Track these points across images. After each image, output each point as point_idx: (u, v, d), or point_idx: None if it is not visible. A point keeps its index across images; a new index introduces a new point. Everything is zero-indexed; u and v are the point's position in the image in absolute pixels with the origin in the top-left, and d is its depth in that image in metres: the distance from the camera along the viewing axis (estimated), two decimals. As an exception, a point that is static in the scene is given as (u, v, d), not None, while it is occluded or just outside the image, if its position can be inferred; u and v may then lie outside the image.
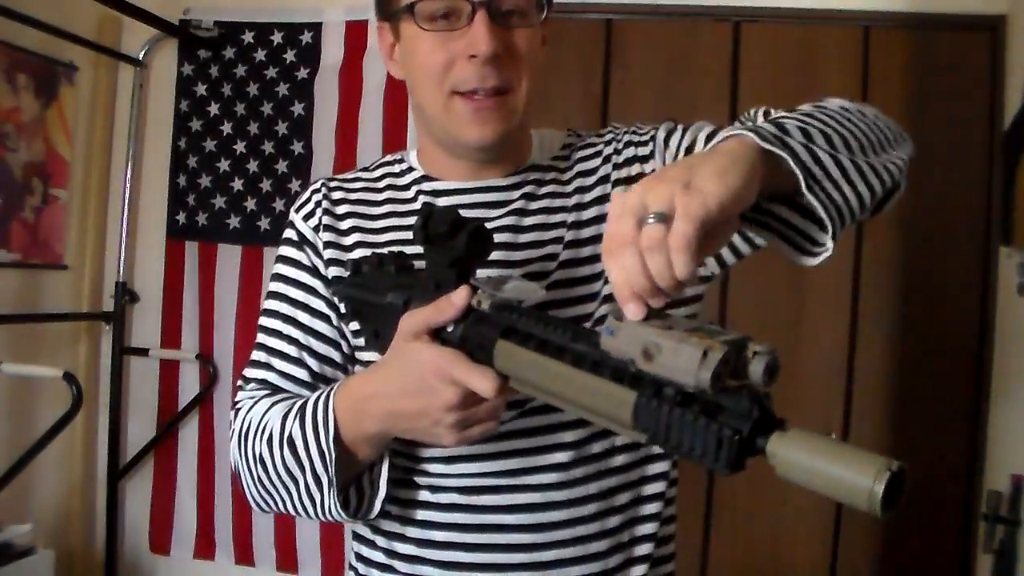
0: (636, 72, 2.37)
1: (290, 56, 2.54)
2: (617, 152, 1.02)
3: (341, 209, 0.99)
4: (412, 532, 0.94)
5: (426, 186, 0.99)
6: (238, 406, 0.97)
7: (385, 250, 0.90)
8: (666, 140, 1.03)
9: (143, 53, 2.61)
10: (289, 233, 1.00)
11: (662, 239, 0.61)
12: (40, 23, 2.24)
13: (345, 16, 2.50)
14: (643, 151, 1.02)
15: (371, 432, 0.83)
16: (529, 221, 0.96)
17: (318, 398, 0.87)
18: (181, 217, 2.61)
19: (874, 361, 2.26)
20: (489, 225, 0.89)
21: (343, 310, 0.96)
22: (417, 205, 0.98)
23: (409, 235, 0.90)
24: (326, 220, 0.98)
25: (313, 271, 0.98)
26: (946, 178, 2.24)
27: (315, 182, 1.03)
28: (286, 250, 1.00)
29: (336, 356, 0.97)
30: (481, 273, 0.81)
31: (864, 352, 2.26)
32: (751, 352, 0.60)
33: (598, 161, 1.01)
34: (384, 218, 0.99)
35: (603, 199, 0.98)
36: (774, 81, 2.31)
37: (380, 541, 0.97)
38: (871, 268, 2.26)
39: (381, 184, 1.02)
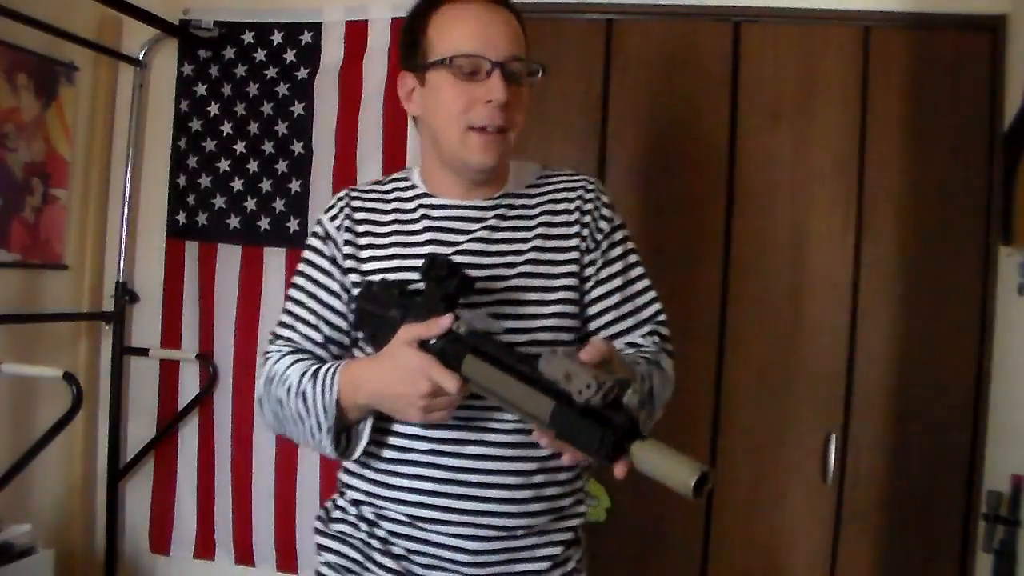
0: (636, 72, 2.37)
1: (290, 56, 2.54)
2: (584, 212, 1.31)
3: (359, 216, 1.30)
4: (386, 479, 1.26)
5: (426, 201, 1.30)
6: (268, 355, 1.30)
7: (389, 251, 1.27)
8: (609, 246, 1.32)
9: (143, 53, 2.61)
10: (317, 228, 1.33)
11: None
12: (40, 23, 2.24)
13: (345, 16, 2.50)
14: (603, 242, 1.31)
15: (361, 403, 1.18)
16: (497, 236, 1.27)
17: (328, 368, 1.20)
18: (181, 217, 2.61)
19: (874, 361, 2.26)
20: (467, 236, 1.26)
21: (351, 315, 1.27)
22: (418, 215, 1.29)
23: (409, 239, 1.27)
24: (347, 223, 1.30)
25: (332, 260, 1.30)
26: (946, 178, 2.24)
27: (343, 191, 1.35)
28: (314, 241, 1.32)
29: (343, 325, 1.29)
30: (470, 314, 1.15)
31: (864, 352, 2.26)
32: (632, 390, 0.94)
33: (572, 207, 1.31)
34: (391, 224, 1.30)
35: (569, 237, 1.29)
36: (774, 81, 2.31)
37: (361, 483, 1.28)
38: (871, 268, 2.26)
39: (390, 196, 1.33)
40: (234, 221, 2.56)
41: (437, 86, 1.22)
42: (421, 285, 1.16)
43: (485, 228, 1.27)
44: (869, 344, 2.26)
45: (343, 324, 1.29)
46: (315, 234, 1.33)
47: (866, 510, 2.25)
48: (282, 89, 2.54)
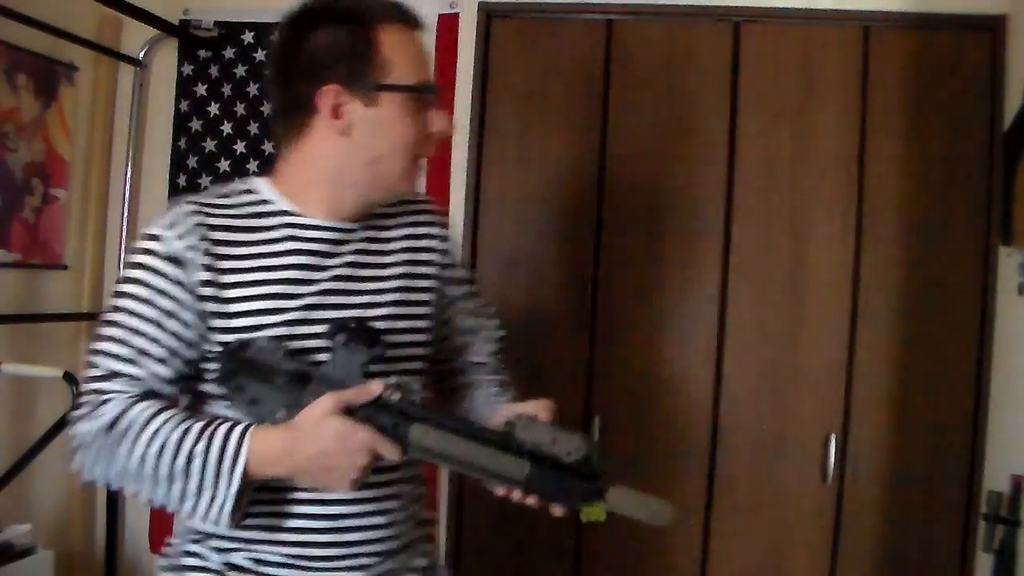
0: (636, 72, 2.37)
1: (290, 56, 2.53)
2: (435, 237, 1.31)
3: (217, 235, 1.14)
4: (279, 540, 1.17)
5: (291, 220, 1.18)
6: (108, 396, 1.10)
7: (252, 276, 1.13)
8: (455, 267, 1.35)
9: (143, 53, 2.61)
10: (157, 247, 1.12)
11: None
12: (40, 23, 2.24)
13: (345, 16, 2.49)
14: (453, 263, 1.34)
15: (268, 475, 1.07)
16: (368, 259, 1.21)
17: (225, 431, 1.06)
18: (181, 217, 2.60)
19: (874, 361, 2.26)
20: (339, 260, 1.18)
21: (221, 375, 1.12)
22: (281, 234, 1.17)
23: (273, 261, 1.15)
24: (204, 245, 1.12)
25: (182, 285, 1.11)
26: (946, 178, 2.24)
27: (186, 203, 1.16)
28: (151, 261, 1.12)
29: (194, 357, 1.14)
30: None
31: (864, 352, 2.26)
32: (597, 447, 1.08)
33: (431, 231, 1.30)
34: (251, 244, 1.15)
35: (429, 264, 1.28)
36: (774, 81, 2.31)
37: (232, 531, 1.15)
38: (871, 268, 2.26)
39: (244, 212, 1.17)
40: (234, 221, 2.56)
41: (391, 111, 1.14)
42: (310, 343, 1.12)
43: (355, 252, 1.20)
44: (869, 344, 2.26)
45: (194, 357, 1.13)
46: (152, 252, 1.12)
47: (866, 510, 2.25)
48: (282, 89, 2.53)
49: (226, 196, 1.19)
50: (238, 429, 1.07)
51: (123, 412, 1.08)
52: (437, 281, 1.29)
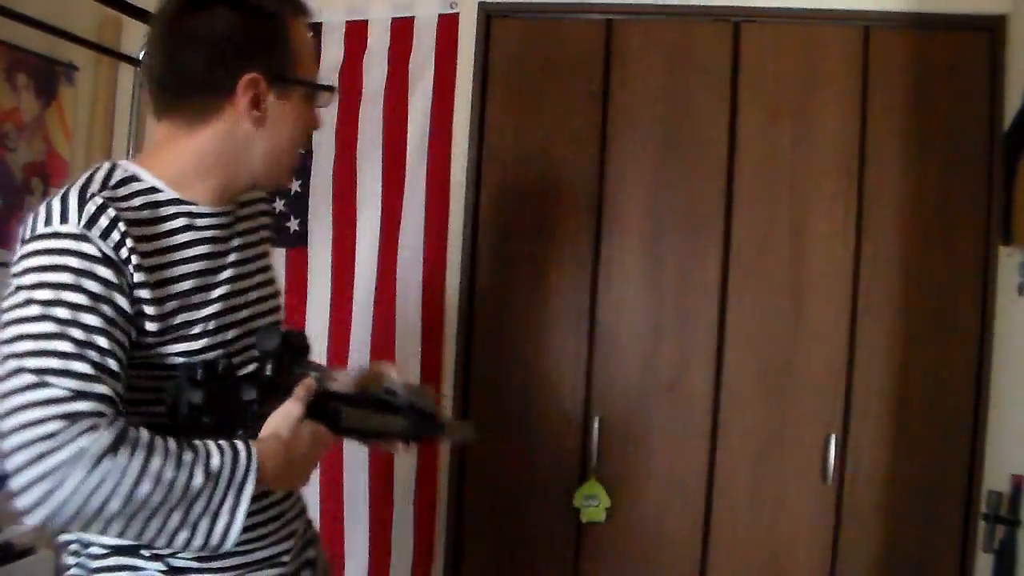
0: (636, 72, 2.37)
1: (290, 56, 2.53)
2: (266, 212, 1.34)
3: (136, 231, 1.04)
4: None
5: (183, 208, 1.13)
6: (90, 423, 0.94)
7: (172, 271, 1.09)
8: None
9: (143, 53, 2.60)
10: (85, 248, 1.00)
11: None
12: (40, 23, 2.23)
13: (345, 16, 2.49)
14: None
15: (263, 488, 1.07)
16: (248, 244, 1.24)
17: (237, 450, 1.02)
18: (181, 217, 2.60)
19: (874, 361, 2.26)
20: (229, 246, 1.18)
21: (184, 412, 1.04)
22: (178, 224, 1.11)
23: (179, 253, 1.10)
24: (129, 243, 1.03)
25: (120, 290, 1.02)
26: (946, 178, 2.24)
27: (93, 197, 1.04)
28: (84, 264, 0.99)
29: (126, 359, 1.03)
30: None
31: (864, 352, 2.26)
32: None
33: (264, 222, 1.32)
34: (159, 238, 1.08)
35: (264, 255, 1.30)
36: (774, 81, 2.31)
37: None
38: (871, 268, 2.26)
39: (139, 203, 1.08)
40: (234, 221, 2.55)
41: (298, 105, 1.17)
42: (231, 334, 1.17)
43: (238, 236, 1.21)
44: (869, 344, 2.26)
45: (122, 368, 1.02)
46: (80, 254, 0.99)
47: (866, 510, 2.25)
48: (282, 89, 2.53)
49: (116, 188, 1.08)
50: (244, 446, 1.04)
51: (119, 438, 0.95)
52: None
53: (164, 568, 1.10)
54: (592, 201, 2.38)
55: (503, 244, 2.43)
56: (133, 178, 1.10)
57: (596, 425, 2.33)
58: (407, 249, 2.43)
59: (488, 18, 2.42)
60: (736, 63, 2.33)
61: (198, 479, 0.97)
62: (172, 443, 0.99)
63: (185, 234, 1.12)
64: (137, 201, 1.08)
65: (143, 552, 1.09)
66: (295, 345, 1.14)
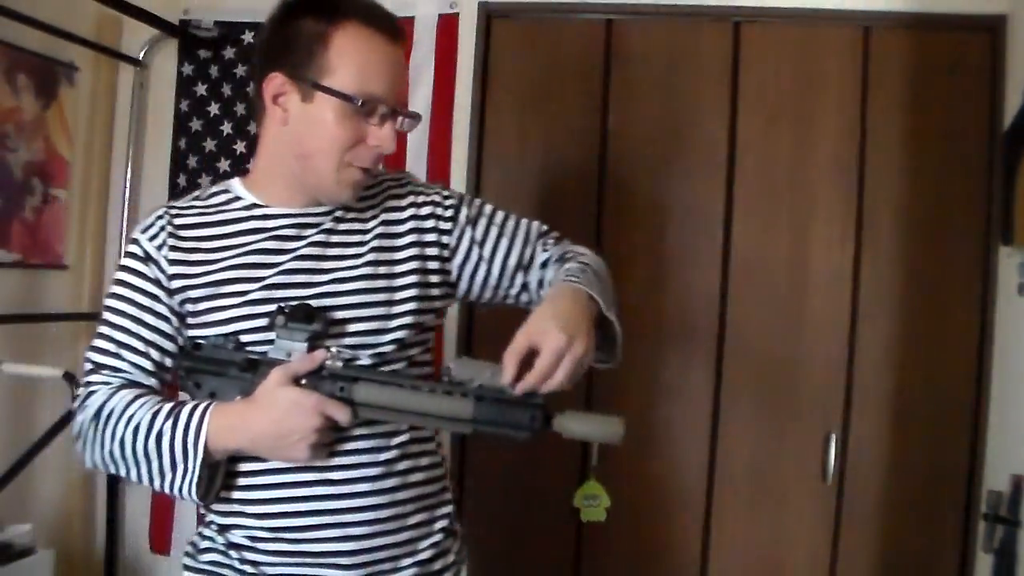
0: (636, 72, 2.37)
1: (290, 56, 2.53)
2: (417, 207, 1.30)
3: (185, 233, 1.23)
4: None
5: (257, 212, 1.24)
6: (93, 388, 1.21)
7: (221, 264, 1.20)
8: (467, 221, 1.32)
9: (143, 53, 2.61)
10: (134, 249, 1.24)
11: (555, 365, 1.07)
12: (40, 23, 2.24)
13: (345, 16, 2.49)
14: (444, 225, 1.30)
15: (231, 447, 1.15)
16: (334, 239, 1.23)
17: (190, 410, 1.15)
18: (181, 217, 2.61)
19: (874, 360, 2.26)
20: (303, 241, 1.21)
21: (181, 375, 1.24)
22: (249, 226, 1.23)
23: (240, 249, 1.20)
24: (171, 242, 1.22)
25: (156, 283, 1.21)
26: (946, 178, 2.24)
27: (158, 209, 1.26)
28: (131, 263, 1.23)
29: (172, 349, 1.23)
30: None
31: (864, 351, 2.26)
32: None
33: (406, 214, 1.29)
34: (219, 239, 1.22)
35: (413, 241, 1.27)
36: (774, 81, 2.31)
37: (225, 507, 1.24)
38: (871, 268, 2.26)
39: (212, 209, 1.25)
40: (234, 221, 2.56)
41: (323, 112, 1.15)
42: (256, 336, 1.17)
43: (321, 232, 1.23)
44: (869, 344, 2.26)
45: (172, 348, 1.23)
46: (132, 255, 1.24)
47: (866, 510, 2.25)
48: (282, 89, 2.53)
49: (198, 197, 1.28)
50: (200, 407, 1.16)
51: (106, 401, 1.18)
52: (437, 247, 1.28)
53: (224, 543, 1.24)
54: (592, 201, 2.38)
55: (503, 244, 2.42)
56: (224, 191, 1.27)
57: (596, 425, 2.33)
58: (407, 249, 2.43)
59: (488, 18, 2.42)
60: (736, 63, 2.33)
61: (152, 439, 1.15)
62: (144, 408, 1.17)
63: (250, 233, 1.22)
64: (211, 207, 1.25)
65: (214, 526, 1.26)
66: (291, 319, 1.15)
